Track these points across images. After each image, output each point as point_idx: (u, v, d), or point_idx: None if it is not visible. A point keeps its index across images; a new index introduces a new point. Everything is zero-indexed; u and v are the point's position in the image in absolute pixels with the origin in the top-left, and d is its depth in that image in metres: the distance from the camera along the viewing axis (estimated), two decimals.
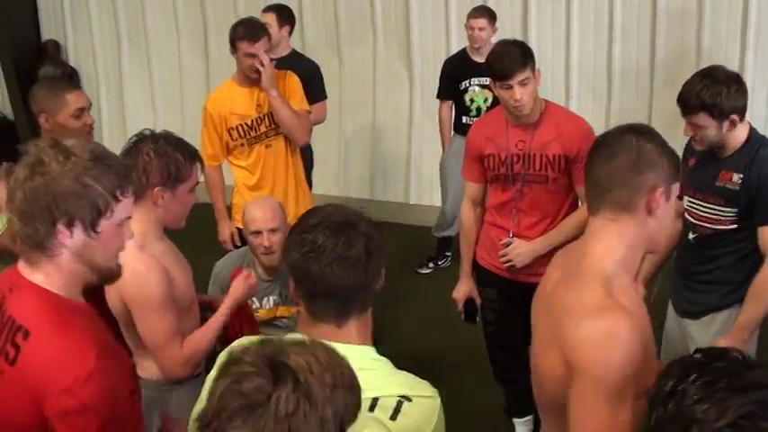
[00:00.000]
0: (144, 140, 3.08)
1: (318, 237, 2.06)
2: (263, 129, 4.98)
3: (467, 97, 6.42)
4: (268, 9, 6.23)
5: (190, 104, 8.26)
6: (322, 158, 6.97)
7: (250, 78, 4.93)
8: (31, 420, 2.06)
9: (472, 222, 4.31)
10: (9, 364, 2.09)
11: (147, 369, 3.11)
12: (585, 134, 3.92)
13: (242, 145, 4.98)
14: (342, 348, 1.81)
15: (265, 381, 1.51)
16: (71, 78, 9.22)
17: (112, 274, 2.27)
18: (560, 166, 3.94)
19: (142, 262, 2.97)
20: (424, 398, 2.08)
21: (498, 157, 4.06)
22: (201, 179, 3.34)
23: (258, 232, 4.00)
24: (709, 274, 3.78)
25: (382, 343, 4.56)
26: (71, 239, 2.09)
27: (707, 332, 3.77)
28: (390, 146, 8.11)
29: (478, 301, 4.37)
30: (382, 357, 2.15)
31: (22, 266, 2.17)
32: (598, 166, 2.28)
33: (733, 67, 6.60)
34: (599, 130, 7.06)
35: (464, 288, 4.37)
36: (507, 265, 4.10)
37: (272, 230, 3.99)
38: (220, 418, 1.51)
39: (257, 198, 4.58)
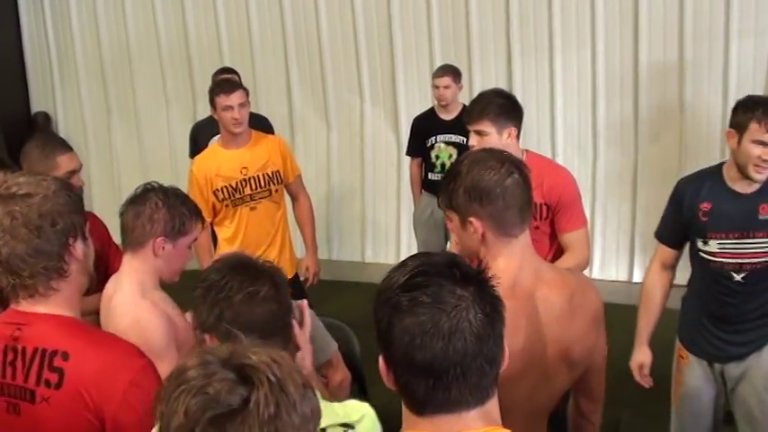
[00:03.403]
0: (153, 190, 3.09)
1: (222, 281, 2.16)
2: (247, 191, 5.01)
3: (433, 154, 6.55)
4: (228, 70, 6.54)
5: (180, 173, 8.29)
6: None
7: (235, 141, 4.98)
8: None
9: None
10: (54, 389, 2.12)
11: None
12: (566, 182, 3.95)
13: (227, 206, 5.00)
14: None
15: (235, 383, 1.35)
16: None
17: (93, 280, 2.43)
18: (542, 214, 3.93)
19: (144, 309, 2.95)
20: (362, 420, 2.14)
21: None
22: None
23: None
24: (762, 308, 3.70)
25: (367, 399, 4.54)
26: (76, 251, 2.21)
27: (761, 360, 3.70)
28: (380, 209, 8.15)
29: None
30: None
31: (25, 306, 2.21)
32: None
33: (716, 119, 6.72)
34: (586, 187, 7.18)
35: None
36: None
37: None
38: None
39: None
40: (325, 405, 1.98)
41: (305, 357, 2.47)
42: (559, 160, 7.07)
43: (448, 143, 6.45)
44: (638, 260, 7.29)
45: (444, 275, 1.61)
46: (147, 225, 3.02)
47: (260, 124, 5.87)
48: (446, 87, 6.39)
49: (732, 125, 3.60)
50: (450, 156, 6.44)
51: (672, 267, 3.91)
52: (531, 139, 7.07)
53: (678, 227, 3.78)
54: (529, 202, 2.46)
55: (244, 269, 2.19)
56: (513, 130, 3.92)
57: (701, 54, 6.73)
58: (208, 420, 1.32)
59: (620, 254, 7.39)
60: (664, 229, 3.89)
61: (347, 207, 8.25)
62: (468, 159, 2.48)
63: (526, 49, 7.26)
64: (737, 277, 3.65)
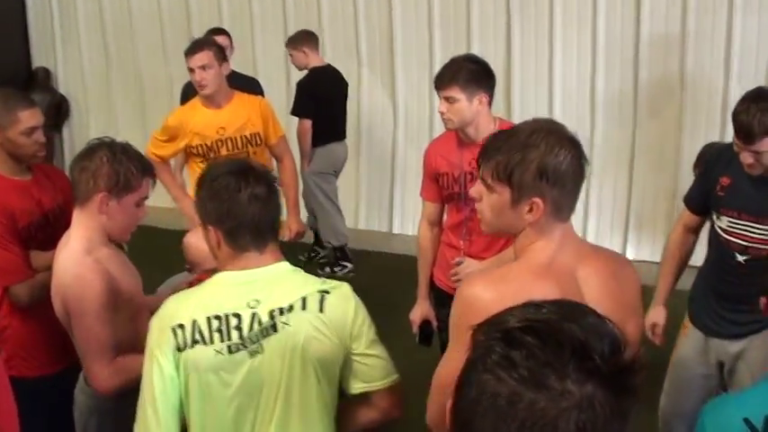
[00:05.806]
0: (101, 146, 3.05)
1: (229, 182, 2.44)
2: (223, 151, 4.95)
3: None
4: (218, 31, 6.58)
5: None
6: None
7: (213, 100, 4.95)
8: None
9: (429, 242, 4.21)
10: None
11: None
12: None
13: (201, 162, 4.92)
14: (265, 269, 2.45)
15: None
16: (60, 106, 9.27)
17: None
18: None
19: (86, 267, 2.92)
20: (337, 288, 2.50)
21: (452, 176, 3.99)
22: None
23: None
24: (759, 294, 3.59)
25: None
26: None
27: (759, 342, 3.60)
28: (374, 176, 8.08)
29: (435, 324, 4.26)
30: (297, 267, 2.55)
31: None
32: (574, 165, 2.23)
33: (717, 95, 6.59)
34: None
35: (420, 310, 4.25)
36: (459, 284, 4.00)
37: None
38: None
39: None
40: (305, 278, 2.53)
41: None
42: None
43: None
44: (632, 238, 7.21)
45: (565, 353, 1.19)
46: (90, 180, 2.98)
47: (249, 86, 5.80)
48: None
49: None
50: None
51: (695, 231, 3.88)
52: (530, 112, 6.95)
53: (701, 193, 3.73)
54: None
55: (245, 172, 2.46)
56: (485, 97, 3.83)
57: (703, 27, 6.60)
58: None
59: (613, 231, 7.29)
60: (690, 194, 3.85)
61: (342, 173, 8.18)
62: (542, 132, 2.24)
63: (526, 19, 7.16)
64: (740, 258, 3.58)
